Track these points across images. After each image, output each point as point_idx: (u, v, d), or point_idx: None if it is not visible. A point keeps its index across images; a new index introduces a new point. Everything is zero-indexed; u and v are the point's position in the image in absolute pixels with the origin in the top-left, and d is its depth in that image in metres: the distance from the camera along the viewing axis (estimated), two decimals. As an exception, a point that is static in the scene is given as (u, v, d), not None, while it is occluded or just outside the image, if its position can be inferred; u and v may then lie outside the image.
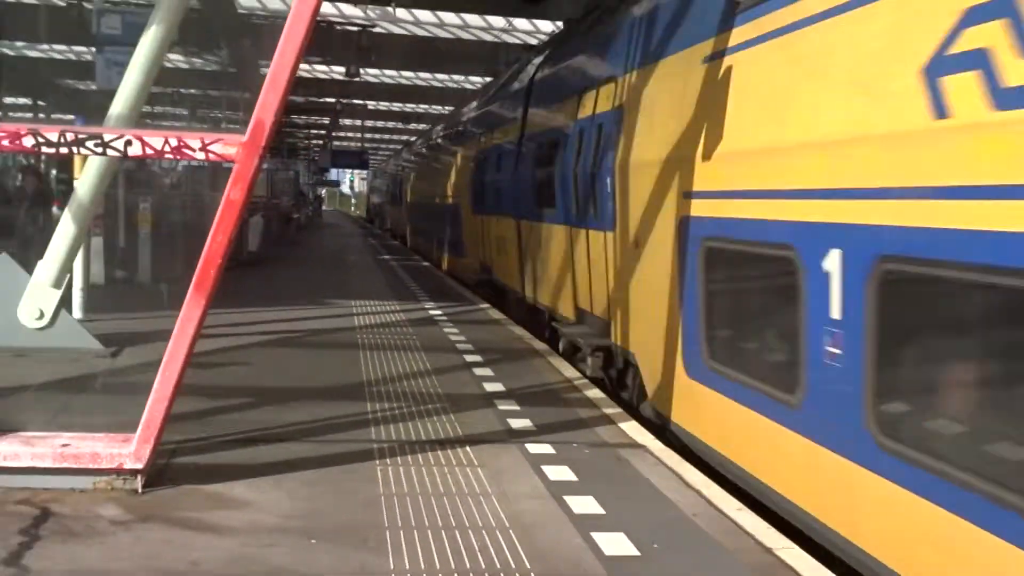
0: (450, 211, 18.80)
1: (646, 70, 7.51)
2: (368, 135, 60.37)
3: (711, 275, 6.01)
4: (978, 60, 3.61)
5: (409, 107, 42.74)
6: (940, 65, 3.84)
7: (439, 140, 24.98)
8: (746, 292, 5.98)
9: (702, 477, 5.83)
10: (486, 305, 14.12)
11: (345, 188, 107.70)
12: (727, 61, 5.85)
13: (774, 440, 5.16)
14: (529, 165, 11.46)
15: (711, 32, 6.16)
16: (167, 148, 4.93)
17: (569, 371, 8.90)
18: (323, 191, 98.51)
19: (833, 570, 4.53)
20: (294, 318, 11.67)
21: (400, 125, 49.25)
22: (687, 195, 6.22)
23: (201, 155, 4.98)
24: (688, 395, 6.39)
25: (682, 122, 6.36)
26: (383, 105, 42.18)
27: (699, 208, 6.06)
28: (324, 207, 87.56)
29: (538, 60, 12.96)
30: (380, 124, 51.51)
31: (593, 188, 8.47)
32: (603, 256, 8.28)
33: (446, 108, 39.42)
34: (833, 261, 4.46)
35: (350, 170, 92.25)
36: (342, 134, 58.13)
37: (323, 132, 53.85)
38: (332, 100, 36.63)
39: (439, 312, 12.85)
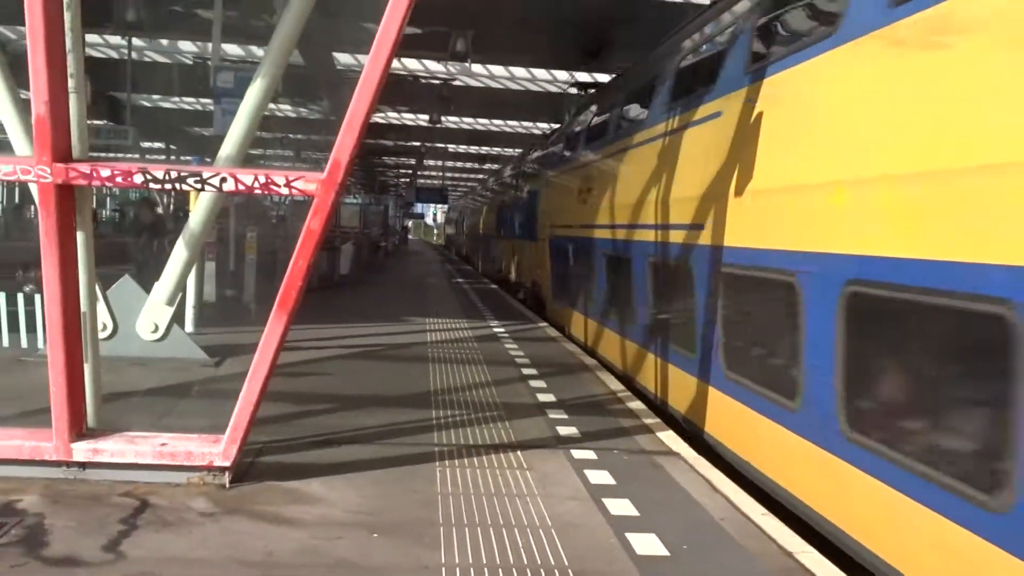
0: (494, 238, 22.08)
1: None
2: (448, 174, 60.95)
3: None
4: None
5: (484, 150, 43.00)
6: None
7: (495, 187, 27.70)
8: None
9: (730, 483, 5.61)
10: (544, 324, 13.98)
11: (428, 220, 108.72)
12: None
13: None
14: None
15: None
16: (256, 184, 4.93)
17: (614, 384, 8.71)
18: (409, 222, 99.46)
19: (850, 575, 4.29)
20: (374, 333, 11.68)
21: (476, 165, 49.62)
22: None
23: (286, 191, 4.96)
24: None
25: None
26: (461, 148, 42.53)
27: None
28: (410, 236, 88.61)
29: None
30: (459, 164, 51.93)
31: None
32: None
33: (516, 150, 39.61)
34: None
35: (432, 204, 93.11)
36: (426, 173, 58.76)
37: (409, 171, 54.60)
38: (417, 144, 37.11)
39: (502, 330, 12.75)
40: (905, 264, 3.88)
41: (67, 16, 4.91)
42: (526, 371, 9.18)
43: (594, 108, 11.62)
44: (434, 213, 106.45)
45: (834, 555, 4.55)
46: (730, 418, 5.96)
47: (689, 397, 6.68)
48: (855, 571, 4.43)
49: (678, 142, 6.83)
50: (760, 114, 5.50)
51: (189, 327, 10.01)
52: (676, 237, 6.82)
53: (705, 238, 6.18)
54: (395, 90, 21.90)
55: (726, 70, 6.31)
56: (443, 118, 27.09)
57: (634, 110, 9.20)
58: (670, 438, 6.65)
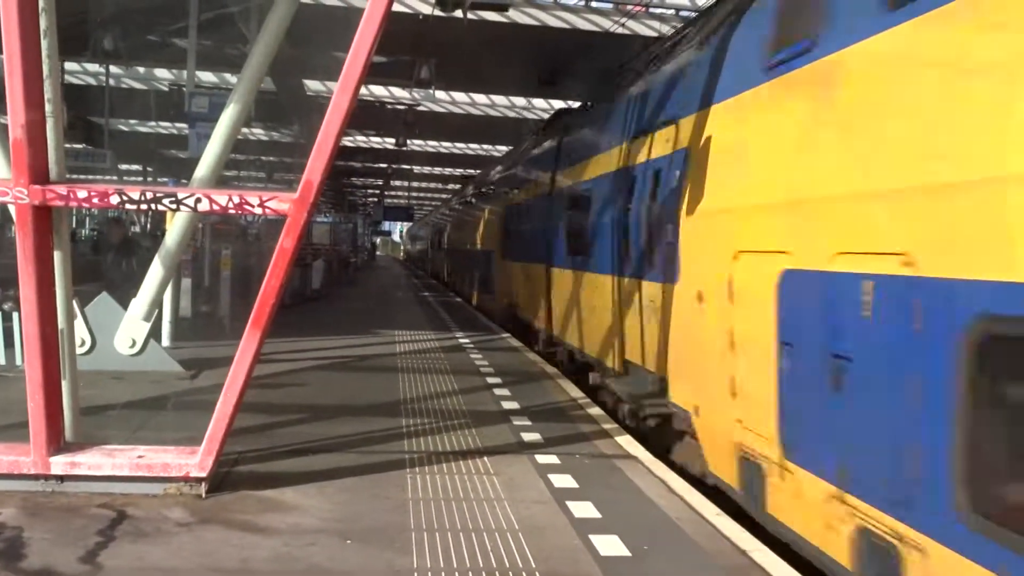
0: (478, 254, 20.43)
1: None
2: (414, 193, 60.70)
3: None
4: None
5: (448, 171, 42.87)
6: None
7: (465, 202, 27.60)
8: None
9: (685, 484, 5.58)
10: (507, 335, 13.92)
11: (396, 237, 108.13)
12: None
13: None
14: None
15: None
16: (231, 204, 4.81)
17: (574, 391, 8.67)
18: (377, 239, 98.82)
19: (801, 571, 4.27)
20: (346, 345, 11.52)
21: (440, 185, 49.58)
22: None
23: (259, 210, 4.86)
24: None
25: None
26: (426, 169, 42.35)
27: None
28: (378, 252, 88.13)
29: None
30: (424, 184, 51.76)
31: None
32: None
33: (475, 172, 39.63)
34: None
35: (399, 222, 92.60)
36: (393, 192, 58.47)
37: (377, 191, 54.30)
38: (384, 165, 36.94)
39: (467, 340, 12.66)
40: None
41: (44, 44, 4.75)
42: (491, 380, 9.10)
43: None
44: (400, 230, 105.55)
45: (785, 553, 4.53)
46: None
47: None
48: (803, 568, 4.41)
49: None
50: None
51: (166, 341, 9.78)
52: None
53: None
54: (363, 115, 21.77)
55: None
56: (408, 141, 26.94)
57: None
58: (628, 442, 6.61)
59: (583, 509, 4.92)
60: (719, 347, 4.93)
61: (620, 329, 7.25)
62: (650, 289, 6.40)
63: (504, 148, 32.30)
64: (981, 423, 2.78)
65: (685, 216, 5.57)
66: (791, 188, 4.24)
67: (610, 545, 4.38)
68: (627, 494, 5.29)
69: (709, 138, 5.25)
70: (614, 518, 4.79)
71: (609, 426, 7.12)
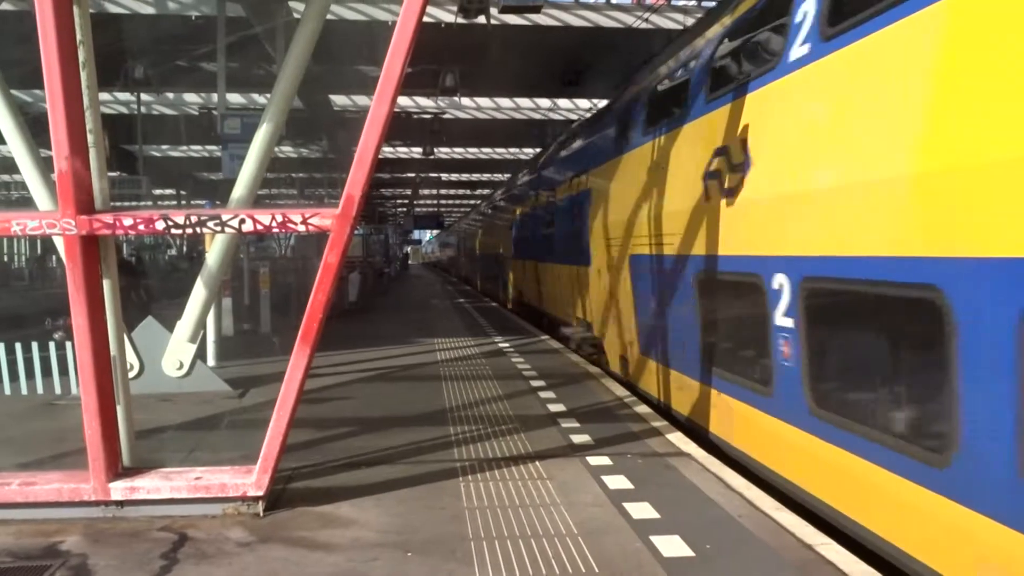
0: (486, 256, 27.30)
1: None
2: (442, 201, 60.88)
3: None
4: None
5: (475, 176, 42.92)
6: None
7: (480, 215, 34.18)
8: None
9: (742, 480, 5.48)
10: (545, 336, 13.86)
11: (428, 246, 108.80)
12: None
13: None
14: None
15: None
16: (274, 223, 4.81)
17: (620, 390, 8.59)
18: (408, 248, 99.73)
19: (868, 563, 4.16)
20: (388, 356, 11.54)
21: (468, 192, 49.60)
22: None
23: (303, 228, 4.85)
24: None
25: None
26: (453, 176, 42.47)
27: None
28: (410, 261, 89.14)
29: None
30: (452, 192, 51.87)
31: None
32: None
33: (504, 175, 39.63)
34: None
35: (429, 230, 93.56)
36: (422, 201, 58.70)
37: (406, 201, 54.57)
38: (412, 175, 37.07)
39: (506, 345, 12.62)
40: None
41: (83, 75, 4.80)
42: (535, 383, 9.05)
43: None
44: (431, 238, 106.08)
45: (852, 546, 4.42)
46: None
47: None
48: (873, 560, 4.30)
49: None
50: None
51: (211, 361, 9.87)
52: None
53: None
54: (390, 126, 21.85)
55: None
56: (435, 149, 27.04)
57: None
58: (679, 439, 6.52)
59: (641, 510, 4.85)
60: (610, 301, 8.43)
61: (572, 298, 11.07)
62: (582, 271, 10.26)
63: (530, 151, 32.27)
64: (703, 329, 5.99)
65: (590, 227, 9.51)
66: (628, 213, 7.95)
67: (672, 546, 4.31)
68: (684, 492, 5.21)
69: (593, 186, 9.33)
70: (673, 518, 4.71)
71: (658, 423, 7.03)
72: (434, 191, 49.72)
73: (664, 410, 7.26)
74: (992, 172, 3.12)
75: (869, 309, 3.88)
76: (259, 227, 4.77)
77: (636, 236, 7.44)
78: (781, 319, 4.43)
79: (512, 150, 32.44)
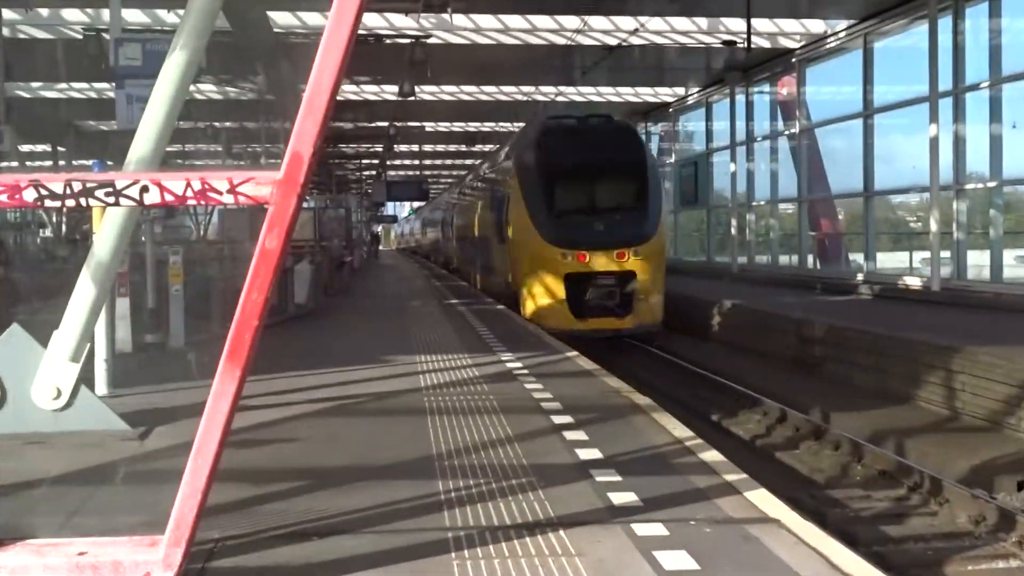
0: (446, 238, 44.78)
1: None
2: (428, 162, 60.86)
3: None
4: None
5: (472, 126, 42.93)
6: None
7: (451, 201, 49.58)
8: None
9: (853, 557, 5.47)
10: (573, 352, 13.87)
11: (407, 225, 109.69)
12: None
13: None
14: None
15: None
16: (190, 192, 4.81)
17: (680, 430, 8.58)
18: (379, 228, 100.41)
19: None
20: (350, 380, 11.57)
21: (463, 148, 49.43)
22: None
23: (230, 198, 4.84)
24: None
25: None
26: (443, 126, 42.45)
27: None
28: (381, 246, 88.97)
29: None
30: (440, 148, 51.89)
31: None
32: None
33: (516, 125, 39.67)
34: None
35: (409, 203, 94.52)
36: (398, 162, 58.70)
37: (376, 161, 54.47)
38: (385, 124, 37.00)
39: (518, 364, 12.65)
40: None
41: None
42: (557, 419, 9.05)
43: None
44: (409, 214, 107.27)
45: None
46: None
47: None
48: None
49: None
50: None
51: (101, 389, 9.91)
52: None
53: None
54: (352, 56, 21.88)
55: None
56: (417, 88, 27.04)
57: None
58: (763, 499, 6.51)
59: (709, 600, 4.84)
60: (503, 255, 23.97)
61: (487, 262, 25.81)
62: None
63: (550, 90, 32.29)
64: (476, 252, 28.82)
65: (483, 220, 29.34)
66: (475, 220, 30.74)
67: (754, 651, 4.30)
68: None
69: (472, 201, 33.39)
70: (755, 611, 4.70)
71: (735, 477, 7.03)
72: (415, 148, 49.81)
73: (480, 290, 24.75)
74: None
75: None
76: (169, 198, 4.78)
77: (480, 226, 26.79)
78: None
79: (525, 90, 32.47)
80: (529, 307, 20.91)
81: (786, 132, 29.22)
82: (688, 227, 40.49)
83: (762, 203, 30.98)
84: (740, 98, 31.55)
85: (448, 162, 61.41)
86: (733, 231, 31.92)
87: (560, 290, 20.35)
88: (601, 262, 20.34)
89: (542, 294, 20.64)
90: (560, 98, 33.08)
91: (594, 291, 20.49)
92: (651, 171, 21.69)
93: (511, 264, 22.69)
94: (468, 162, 56.71)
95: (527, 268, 21.23)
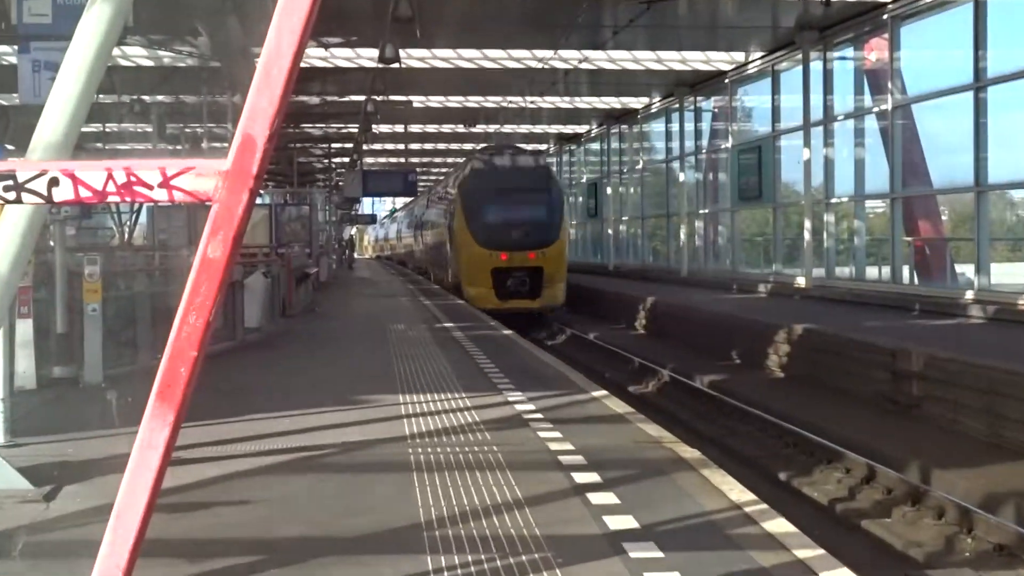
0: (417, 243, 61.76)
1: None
2: (415, 146, 60.97)
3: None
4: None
5: (473, 101, 43.06)
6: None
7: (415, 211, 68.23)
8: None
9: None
10: (600, 392, 13.87)
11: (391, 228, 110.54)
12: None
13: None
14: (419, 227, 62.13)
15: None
16: (112, 186, 4.82)
17: (738, 492, 8.57)
18: (353, 230, 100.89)
19: None
20: (315, 426, 11.59)
21: (462, 129, 49.60)
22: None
23: (163, 193, 4.85)
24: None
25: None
26: (435, 101, 42.60)
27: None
28: (356, 253, 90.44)
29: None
30: (432, 129, 52.05)
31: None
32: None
33: (528, 99, 39.74)
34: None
35: (392, 199, 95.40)
36: (377, 147, 58.83)
37: (350, 146, 54.62)
38: (361, 98, 37.10)
39: (530, 407, 12.64)
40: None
41: None
42: (580, 477, 9.06)
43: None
44: (392, 212, 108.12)
45: None
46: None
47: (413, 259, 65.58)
48: None
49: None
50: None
51: (-2, 436, 9.93)
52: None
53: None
54: (320, 11, 21.94)
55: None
56: (403, 53, 27.12)
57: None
58: (845, 582, 6.50)
59: None
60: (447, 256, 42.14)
61: (439, 261, 44.18)
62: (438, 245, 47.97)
63: (572, 55, 32.34)
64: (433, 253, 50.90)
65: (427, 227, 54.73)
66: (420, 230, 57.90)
67: None
68: None
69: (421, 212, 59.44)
70: None
71: (809, 552, 7.01)
72: (400, 129, 49.91)
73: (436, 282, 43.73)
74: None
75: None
76: (84, 194, 4.79)
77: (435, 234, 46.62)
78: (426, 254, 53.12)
79: (541, 55, 32.49)
80: (467, 292, 36.15)
81: (875, 109, 29.08)
82: (750, 229, 40.52)
83: (844, 200, 30.95)
84: (815, 66, 31.39)
85: (442, 147, 61.63)
86: (807, 236, 31.74)
87: (488, 280, 35.84)
88: (518, 260, 35.89)
89: (476, 283, 36.15)
90: (585, 65, 33.13)
91: (512, 280, 35.98)
92: (556, 193, 38.23)
93: (454, 261, 38.94)
94: (468, 147, 56.93)
95: (465, 264, 37.05)
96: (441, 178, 61.34)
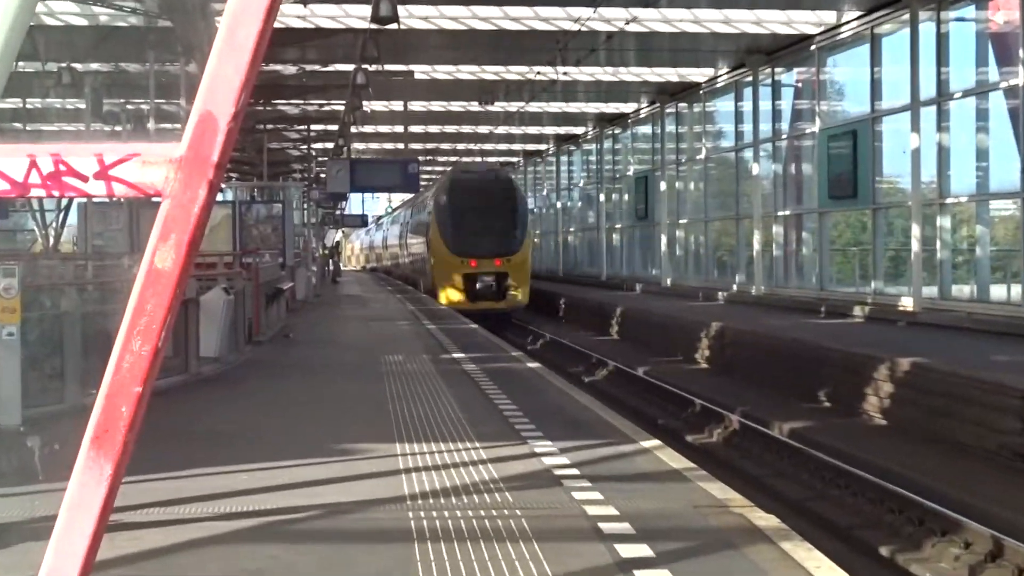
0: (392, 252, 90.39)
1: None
2: (418, 129, 61.02)
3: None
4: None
5: (491, 72, 43.15)
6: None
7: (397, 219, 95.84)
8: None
9: None
10: (652, 442, 13.84)
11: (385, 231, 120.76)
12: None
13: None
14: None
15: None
16: (34, 179, 4.85)
17: (826, 570, 8.56)
18: (338, 235, 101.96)
19: None
20: (288, 483, 11.61)
21: (476, 107, 49.67)
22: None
23: (99, 187, 4.86)
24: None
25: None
26: (443, 71, 42.72)
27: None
28: (342, 264, 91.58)
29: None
30: (439, 107, 52.29)
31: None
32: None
33: (560, 70, 39.75)
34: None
35: (388, 195, 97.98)
36: (370, 130, 59.01)
37: (335, 129, 54.79)
38: (349, 68, 37.17)
39: (563, 460, 12.63)
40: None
41: None
42: (626, 550, 9.07)
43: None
44: (388, 212, 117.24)
45: None
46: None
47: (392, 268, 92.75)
48: None
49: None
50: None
51: None
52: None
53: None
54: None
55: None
56: (402, 9, 27.22)
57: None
58: None
59: None
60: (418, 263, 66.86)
61: (421, 268, 63.46)
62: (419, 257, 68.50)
63: (616, 13, 32.42)
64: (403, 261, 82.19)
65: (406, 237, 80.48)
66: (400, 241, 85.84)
67: None
68: None
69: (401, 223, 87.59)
70: None
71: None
72: (397, 106, 50.04)
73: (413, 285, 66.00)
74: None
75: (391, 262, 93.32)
76: (1, 187, 4.81)
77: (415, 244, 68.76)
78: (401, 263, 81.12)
79: (575, 12, 32.51)
80: (441, 295, 50.83)
81: (1003, 84, 29.01)
82: (843, 237, 40.30)
83: (962, 200, 30.85)
84: (927, 28, 31.31)
85: (451, 130, 61.78)
86: (915, 245, 31.52)
87: (460, 283, 50.71)
88: (485, 266, 50.78)
89: (448, 286, 50.99)
90: (633, 27, 33.07)
91: (481, 284, 50.84)
92: (521, 207, 54.13)
93: (431, 267, 54.07)
94: (483, 130, 57.05)
95: (439, 270, 52.38)
96: (427, 186, 76.54)
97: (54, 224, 31.75)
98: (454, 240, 51.34)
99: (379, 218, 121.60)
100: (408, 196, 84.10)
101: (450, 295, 50.65)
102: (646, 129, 57.98)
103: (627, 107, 55.90)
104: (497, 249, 50.86)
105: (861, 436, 21.17)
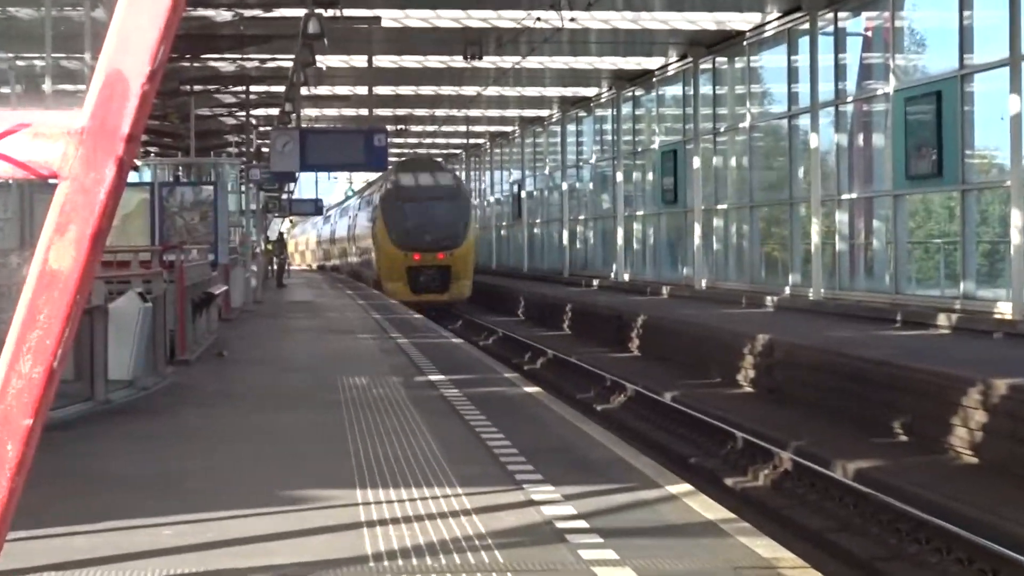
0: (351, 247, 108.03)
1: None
2: (384, 90, 60.95)
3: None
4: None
5: (478, 17, 43.22)
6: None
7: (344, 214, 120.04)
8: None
9: None
10: (681, 487, 13.86)
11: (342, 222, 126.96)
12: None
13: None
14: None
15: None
16: None
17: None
18: (284, 224, 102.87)
19: None
20: (221, 540, 11.63)
21: (461, 62, 49.58)
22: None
23: (-20, 166, 4.92)
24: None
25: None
26: (417, 17, 42.81)
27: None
28: (289, 262, 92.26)
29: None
30: (414, 63, 52.30)
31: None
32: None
33: (566, 16, 39.90)
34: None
35: (348, 175, 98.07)
36: (325, 91, 59.00)
37: (281, 90, 54.82)
38: (298, 14, 37.17)
39: (567, 509, 12.64)
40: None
41: None
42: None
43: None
44: (349, 196, 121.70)
45: None
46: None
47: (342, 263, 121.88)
48: None
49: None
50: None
51: None
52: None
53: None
54: None
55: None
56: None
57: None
58: None
59: None
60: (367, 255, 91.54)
61: (367, 262, 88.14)
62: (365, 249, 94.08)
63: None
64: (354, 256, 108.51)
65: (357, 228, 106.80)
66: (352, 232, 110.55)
67: None
68: None
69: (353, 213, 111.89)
70: None
71: None
72: (360, 61, 50.08)
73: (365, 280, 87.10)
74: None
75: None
76: None
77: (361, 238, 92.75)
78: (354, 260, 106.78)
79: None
80: (386, 287, 68.75)
81: None
82: (924, 226, 40.07)
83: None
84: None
85: (427, 91, 61.80)
86: (1016, 237, 31.18)
87: (404, 276, 69.20)
88: (429, 259, 69.10)
89: (393, 279, 69.74)
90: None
91: (424, 277, 69.06)
92: (464, 200, 74.70)
93: (376, 260, 73.83)
94: (469, 91, 56.98)
95: (384, 263, 71.53)
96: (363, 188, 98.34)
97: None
98: (398, 234, 68.15)
99: (341, 203, 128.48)
100: (375, 176, 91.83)
101: (394, 288, 66.47)
102: (675, 90, 57.88)
103: (651, 62, 55.63)
104: (440, 243, 67.49)
105: (944, 478, 21.22)
